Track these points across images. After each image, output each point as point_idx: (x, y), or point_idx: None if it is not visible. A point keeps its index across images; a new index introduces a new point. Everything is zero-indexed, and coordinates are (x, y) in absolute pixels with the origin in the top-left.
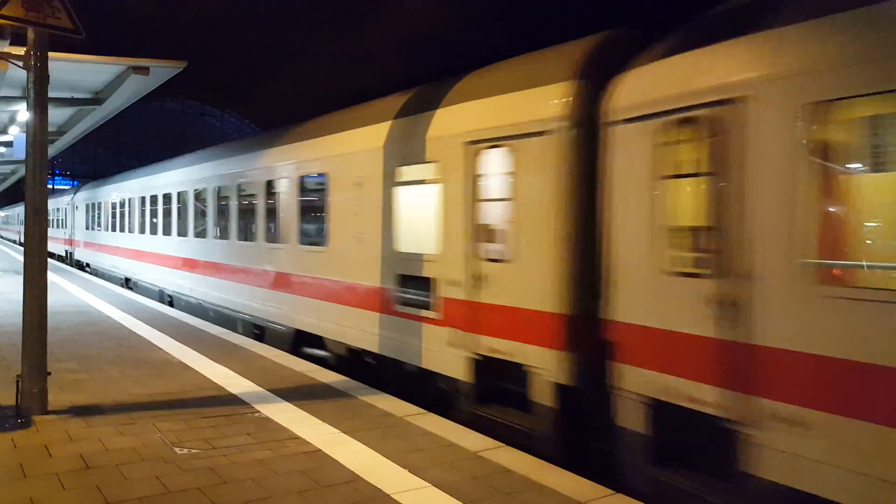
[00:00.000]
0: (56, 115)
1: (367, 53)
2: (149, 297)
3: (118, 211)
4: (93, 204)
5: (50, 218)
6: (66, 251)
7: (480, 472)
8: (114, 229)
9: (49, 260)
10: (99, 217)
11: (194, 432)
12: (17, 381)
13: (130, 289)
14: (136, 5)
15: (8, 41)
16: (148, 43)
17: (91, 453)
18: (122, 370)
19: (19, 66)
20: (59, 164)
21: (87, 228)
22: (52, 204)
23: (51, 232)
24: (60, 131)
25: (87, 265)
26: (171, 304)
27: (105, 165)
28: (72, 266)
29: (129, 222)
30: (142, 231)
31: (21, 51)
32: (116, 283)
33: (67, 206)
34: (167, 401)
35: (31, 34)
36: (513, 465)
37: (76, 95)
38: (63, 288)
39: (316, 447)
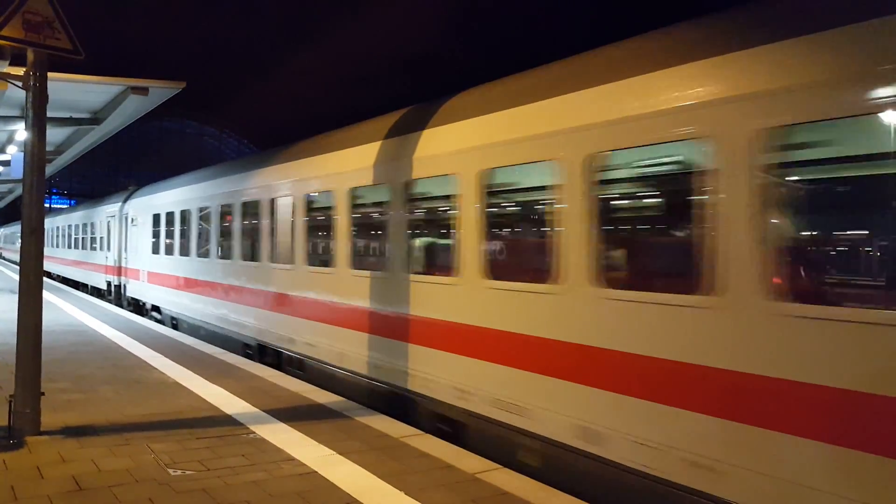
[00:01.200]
0: (54, 134)
1: (363, 75)
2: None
3: (251, 224)
4: (172, 214)
5: (78, 236)
6: (111, 283)
7: (478, 495)
8: (226, 255)
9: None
10: (188, 234)
11: (189, 453)
12: (10, 402)
13: (266, 363)
14: (136, 26)
15: (7, 61)
16: (147, 63)
17: (84, 475)
18: (116, 390)
19: (18, 87)
20: (56, 182)
21: (158, 252)
22: (85, 217)
23: (83, 255)
24: (58, 150)
25: (154, 308)
26: (452, 437)
27: (103, 184)
28: (121, 306)
29: (293, 243)
30: (347, 261)
31: (20, 71)
32: (226, 347)
33: (113, 220)
34: (161, 421)
35: (30, 55)
36: (510, 488)
37: (75, 115)
38: (59, 307)
39: (311, 469)
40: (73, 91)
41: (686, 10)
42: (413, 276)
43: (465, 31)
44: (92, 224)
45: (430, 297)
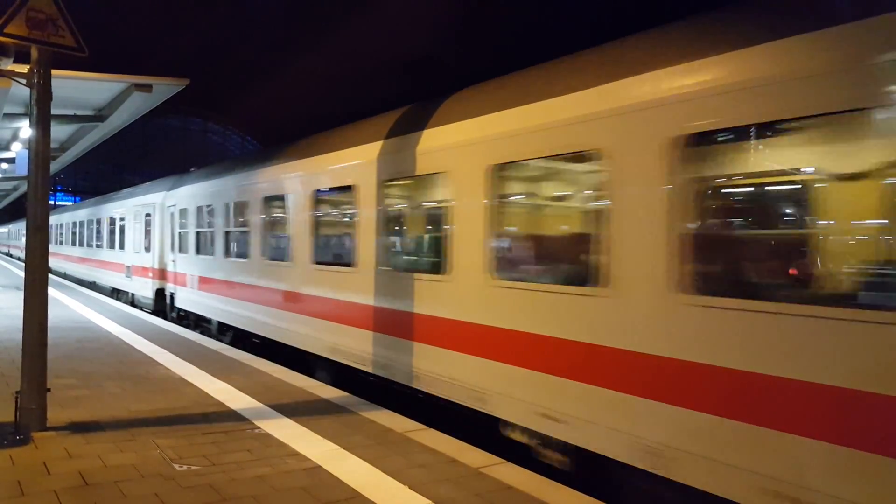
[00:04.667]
0: (58, 131)
1: (364, 75)
2: None
3: None
4: None
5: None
6: None
7: (482, 489)
8: None
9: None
10: None
11: (194, 448)
12: (16, 398)
13: None
14: (139, 23)
15: (12, 59)
16: (150, 61)
17: (90, 470)
18: (121, 386)
19: (22, 84)
20: (60, 180)
21: None
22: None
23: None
24: (63, 148)
25: None
26: None
27: (107, 181)
28: None
29: None
30: None
31: (24, 68)
32: None
33: None
34: (167, 417)
35: (34, 52)
36: (515, 482)
37: (79, 112)
38: (64, 304)
39: (316, 463)
40: (76, 88)
41: (683, 8)
42: None
43: (465, 33)
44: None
45: None
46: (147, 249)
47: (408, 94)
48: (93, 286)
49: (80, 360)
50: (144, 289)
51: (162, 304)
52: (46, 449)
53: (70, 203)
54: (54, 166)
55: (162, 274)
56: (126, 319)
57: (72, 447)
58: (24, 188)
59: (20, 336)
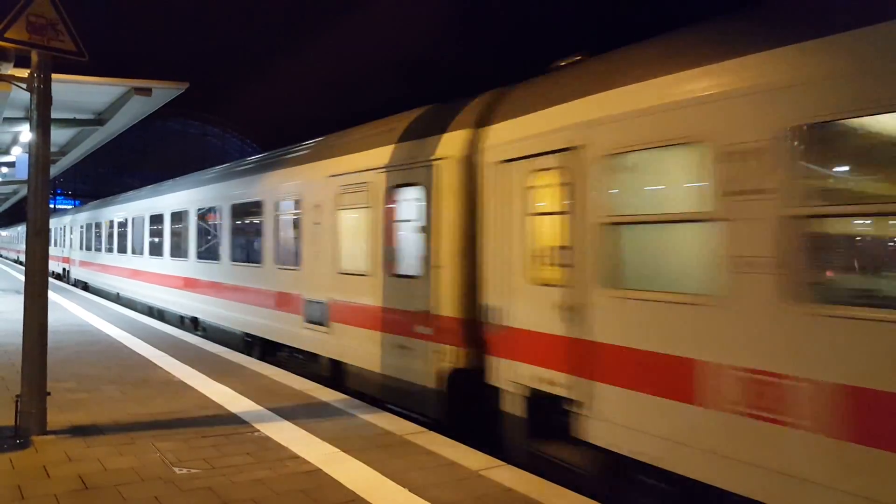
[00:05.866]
0: (58, 135)
1: (363, 77)
2: None
3: None
4: None
5: None
6: None
7: (481, 492)
8: None
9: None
10: None
11: (194, 452)
12: (17, 402)
13: None
14: (139, 28)
15: (12, 63)
16: (150, 64)
17: (90, 474)
18: (121, 389)
19: (23, 88)
20: (60, 183)
21: None
22: None
23: None
24: (62, 151)
25: None
26: None
27: (107, 185)
28: None
29: None
30: None
31: (25, 73)
32: None
33: None
34: (167, 420)
35: (34, 57)
36: (514, 484)
37: (78, 116)
38: (64, 307)
39: (316, 466)
40: (76, 92)
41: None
42: None
43: (463, 35)
44: None
45: None
46: (392, 267)
47: (407, 96)
48: (177, 322)
49: (80, 363)
50: (395, 361)
51: (462, 414)
52: (46, 452)
53: (68, 207)
54: (54, 170)
55: (494, 340)
56: (126, 323)
57: (72, 451)
58: (23, 192)
59: (20, 340)
